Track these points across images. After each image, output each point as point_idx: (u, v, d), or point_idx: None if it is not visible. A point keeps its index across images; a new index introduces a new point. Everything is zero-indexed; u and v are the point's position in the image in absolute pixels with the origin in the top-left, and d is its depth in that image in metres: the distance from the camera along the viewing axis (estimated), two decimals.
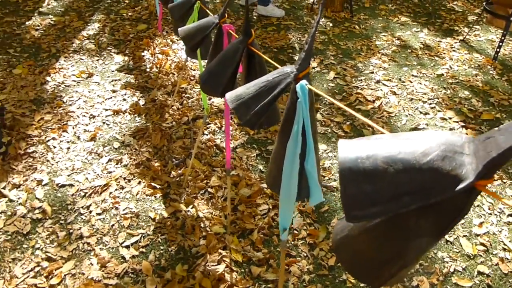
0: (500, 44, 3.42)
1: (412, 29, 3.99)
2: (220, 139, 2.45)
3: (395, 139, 0.49)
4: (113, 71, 3.10)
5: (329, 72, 3.20)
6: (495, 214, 2.07)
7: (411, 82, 3.11)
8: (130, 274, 1.71)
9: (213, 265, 1.74)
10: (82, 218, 1.95)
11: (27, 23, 3.76)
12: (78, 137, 2.44)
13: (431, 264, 1.80)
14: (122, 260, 1.78)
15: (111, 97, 2.79)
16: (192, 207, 2.01)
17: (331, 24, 4.00)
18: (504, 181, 2.27)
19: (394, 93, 2.97)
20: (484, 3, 3.66)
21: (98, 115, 2.62)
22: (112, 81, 2.97)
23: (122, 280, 1.69)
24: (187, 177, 2.15)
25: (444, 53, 3.56)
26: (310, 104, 0.80)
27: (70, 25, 3.75)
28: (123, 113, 2.64)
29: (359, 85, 3.05)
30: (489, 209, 2.09)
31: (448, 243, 1.91)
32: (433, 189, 0.44)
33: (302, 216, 1.99)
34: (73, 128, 2.50)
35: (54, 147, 2.36)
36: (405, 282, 1.72)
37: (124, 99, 2.77)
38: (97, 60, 3.24)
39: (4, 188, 2.08)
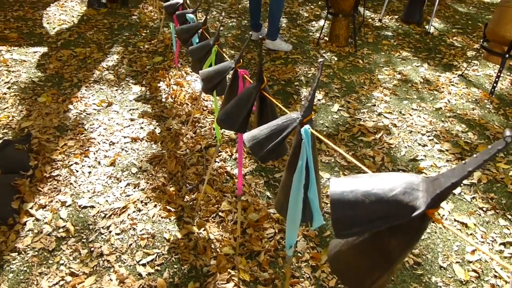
0: (497, 79, 3.62)
1: (413, 63, 4.20)
2: (231, 166, 2.63)
3: (371, 178, 0.67)
4: (131, 100, 3.32)
5: (334, 104, 3.39)
6: (488, 243, 2.20)
7: (410, 115, 3.30)
8: None
9: (222, 284, 1.89)
10: (102, 238, 2.11)
11: (50, 53, 4.03)
12: (99, 162, 2.63)
13: None
14: (139, 277, 1.93)
15: (129, 125, 3.00)
16: (204, 230, 2.17)
17: (336, 58, 4.23)
18: (497, 211, 2.41)
19: (395, 125, 3.15)
20: (481, 40, 3.88)
21: (117, 142, 2.82)
22: (130, 110, 3.19)
23: None
24: (200, 202, 2.32)
25: (443, 87, 3.76)
26: (312, 144, 0.98)
27: (90, 56, 4.01)
28: (141, 141, 2.84)
29: (361, 117, 3.24)
30: (482, 237, 2.23)
31: (442, 268, 2.04)
32: (397, 215, 0.61)
33: (306, 240, 2.14)
34: (94, 153, 2.70)
35: (77, 171, 2.55)
36: None
37: (142, 127, 2.98)
38: (116, 90, 3.47)
39: (31, 208, 2.26)
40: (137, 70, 3.79)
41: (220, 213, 2.27)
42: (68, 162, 2.61)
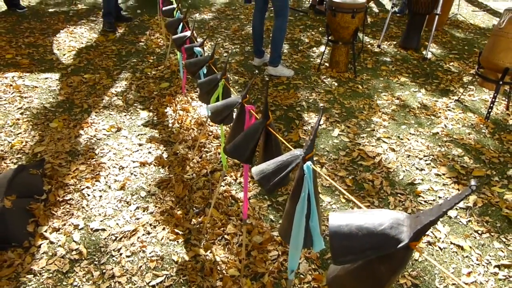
0: (491, 105, 3.75)
1: (410, 89, 4.35)
2: (235, 190, 2.74)
3: (364, 213, 0.78)
4: (139, 125, 3.46)
5: (334, 129, 3.52)
6: (483, 265, 2.29)
7: (408, 139, 3.42)
8: None
9: None
10: (113, 260, 2.22)
11: (61, 79, 4.19)
12: (109, 186, 2.74)
13: None
14: None
15: (137, 150, 3.13)
16: (210, 252, 2.27)
17: (336, 84, 4.38)
18: (492, 234, 2.50)
19: (393, 150, 3.27)
20: (476, 67, 4.03)
21: (127, 166, 2.94)
22: (138, 135, 3.32)
23: None
24: (206, 225, 2.43)
25: (440, 112, 3.89)
26: (313, 178, 1.09)
27: (100, 82, 4.18)
28: (149, 165, 2.96)
29: (361, 142, 3.36)
30: (477, 260, 2.32)
31: None
32: (385, 246, 0.72)
33: (308, 262, 2.24)
34: (105, 178, 2.82)
35: (88, 195, 2.66)
36: None
37: (150, 152, 3.11)
38: (125, 115, 3.61)
39: (46, 231, 2.36)
40: (144, 96, 3.94)
41: (225, 236, 2.37)
42: (80, 186, 2.73)
